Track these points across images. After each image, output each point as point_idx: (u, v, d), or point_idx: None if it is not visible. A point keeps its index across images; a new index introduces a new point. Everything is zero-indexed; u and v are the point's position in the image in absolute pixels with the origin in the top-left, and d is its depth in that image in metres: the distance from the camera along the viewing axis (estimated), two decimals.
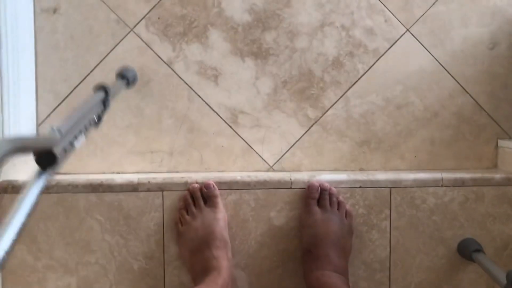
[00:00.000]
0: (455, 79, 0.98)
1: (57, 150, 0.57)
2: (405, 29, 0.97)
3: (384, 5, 0.96)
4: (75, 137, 0.66)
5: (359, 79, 0.97)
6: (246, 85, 0.96)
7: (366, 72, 0.97)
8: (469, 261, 0.84)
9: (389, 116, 0.98)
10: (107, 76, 0.94)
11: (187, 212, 0.80)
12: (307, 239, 0.79)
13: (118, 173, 0.95)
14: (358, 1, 0.96)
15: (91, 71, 0.94)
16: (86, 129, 0.71)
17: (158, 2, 0.94)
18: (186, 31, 0.95)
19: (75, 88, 0.94)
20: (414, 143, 0.98)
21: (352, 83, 0.97)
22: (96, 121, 0.75)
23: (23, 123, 0.90)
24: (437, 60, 0.97)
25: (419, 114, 0.98)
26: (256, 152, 0.97)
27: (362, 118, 0.98)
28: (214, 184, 0.80)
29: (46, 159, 0.53)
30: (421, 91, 0.97)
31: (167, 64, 0.95)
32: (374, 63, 0.97)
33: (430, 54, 0.97)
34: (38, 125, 0.94)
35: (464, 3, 0.97)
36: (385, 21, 0.97)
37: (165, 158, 0.96)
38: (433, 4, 0.97)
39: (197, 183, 0.81)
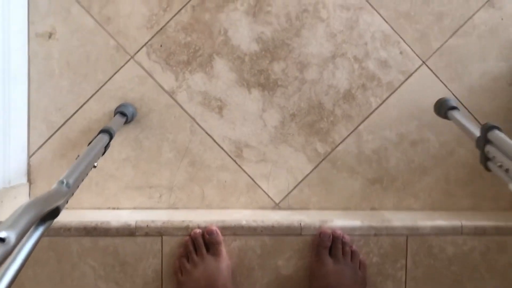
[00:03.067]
0: (472, 115, 0.92)
1: (63, 205, 0.52)
2: (421, 62, 0.92)
3: (400, 36, 0.91)
4: (78, 186, 0.61)
5: (371, 113, 0.92)
6: (252, 117, 0.91)
7: (380, 106, 0.92)
8: None
9: (403, 153, 0.92)
10: (105, 106, 0.88)
11: (188, 260, 0.74)
12: None
13: (114, 208, 0.89)
14: (372, 32, 0.91)
15: (88, 100, 0.88)
16: (86, 175, 0.66)
17: (161, 29, 0.88)
18: (190, 59, 0.89)
19: (70, 118, 0.88)
20: (429, 181, 0.93)
21: (365, 117, 0.92)
22: (95, 165, 0.70)
23: (13, 154, 0.84)
24: (454, 95, 0.92)
25: (435, 152, 0.92)
26: (262, 189, 0.91)
27: (374, 155, 0.92)
28: (217, 229, 0.75)
29: (49, 213, 0.49)
30: (437, 127, 0.92)
31: (169, 94, 0.89)
32: (388, 97, 0.92)
33: (447, 88, 0.92)
34: (30, 156, 0.88)
35: (483, 36, 0.92)
36: (400, 53, 0.91)
37: (165, 194, 0.90)
38: (451, 36, 0.92)
39: (199, 228, 0.75)
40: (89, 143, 0.72)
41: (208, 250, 0.75)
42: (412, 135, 0.92)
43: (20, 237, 0.38)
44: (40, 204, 0.45)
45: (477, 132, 0.68)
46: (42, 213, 0.45)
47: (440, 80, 0.92)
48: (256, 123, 0.91)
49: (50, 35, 0.88)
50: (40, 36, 0.87)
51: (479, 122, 0.92)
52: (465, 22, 0.92)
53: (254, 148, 0.91)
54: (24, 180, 0.87)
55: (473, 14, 0.92)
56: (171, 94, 0.89)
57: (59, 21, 0.87)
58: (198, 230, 0.75)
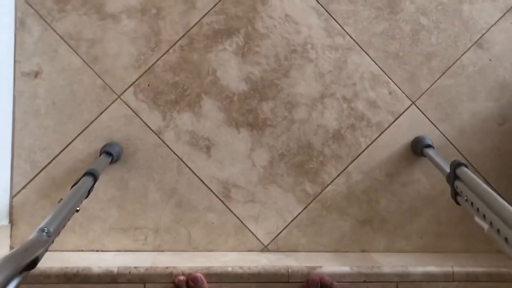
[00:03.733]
0: (463, 155, 0.92)
1: (42, 255, 0.50)
2: (411, 102, 0.91)
3: (388, 77, 0.91)
4: (58, 233, 0.59)
5: (361, 153, 0.91)
6: (241, 157, 0.89)
7: (369, 146, 0.91)
8: None
9: (393, 193, 0.91)
10: (90, 145, 0.87)
11: None
12: None
13: (98, 251, 0.87)
14: (361, 72, 0.91)
15: (73, 140, 0.87)
16: (68, 220, 0.64)
17: (149, 68, 0.88)
18: (178, 99, 0.88)
19: (54, 157, 0.87)
20: (420, 223, 0.91)
21: (354, 158, 0.91)
22: (78, 209, 0.68)
23: None
24: (444, 135, 0.92)
25: (425, 192, 0.91)
26: (250, 230, 0.89)
27: (364, 195, 0.91)
28: (202, 277, 0.72)
29: (28, 264, 0.47)
30: (427, 168, 0.91)
31: (156, 134, 0.88)
32: (378, 137, 0.91)
33: (436, 129, 0.92)
34: (12, 197, 0.86)
35: (471, 76, 0.92)
36: (390, 93, 0.91)
37: (150, 236, 0.88)
38: (440, 77, 0.92)
39: (183, 275, 0.73)
40: (73, 186, 0.70)
41: None
42: (402, 176, 0.91)
43: None
44: (19, 258, 0.43)
45: (447, 168, 0.74)
46: (20, 267, 0.43)
47: (430, 120, 0.92)
48: (245, 163, 0.89)
49: (36, 74, 0.87)
50: (26, 75, 0.87)
51: (469, 162, 0.92)
52: (454, 63, 0.92)
53: (243, 189, 0.89)
54: (5, 221, 0.85)
55: (462, 55, 0.92)
56: (158, 133, 0.88)
57: (46, 60, 0.87)
58: (182, 277, 0.72)
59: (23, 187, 0.86)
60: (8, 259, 0.41)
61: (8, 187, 0.86)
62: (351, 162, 0.91)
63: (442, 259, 0.85)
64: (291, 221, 0.90)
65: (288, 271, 0.75)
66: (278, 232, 0.90)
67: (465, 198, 0.67)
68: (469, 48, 0.92)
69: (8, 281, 0.39)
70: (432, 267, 0.77)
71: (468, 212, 0.67)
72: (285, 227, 0.90)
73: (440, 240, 0.91)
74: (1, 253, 0.83)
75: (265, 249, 0.89)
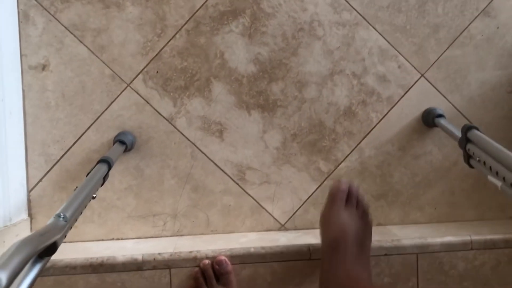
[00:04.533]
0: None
1: (60, 240, 0.51)
2: (420, 75, 0.91)
3: (397, 50, 0.91)
4: (76, 220, 0.60)
5: (373, 128, 0.91)
6: (253, 140, 0.90)
7: (380, 121, 0.91)
8: None
9: (406, 166, 0.92)
10: (103, 136, 0.87)
11: None
12: (333, 235, 0.72)
13: (118, 239, 0.88)
14: (369, 47, 0.90)
15: (85, 131, 0.87)
16: (85, 207, 0.65)
17: (156, 55, 0.87)
18: (188, 84, 0.88)
19: (68, 149, 0.87)
20: (434, 194, 0.92)
21: (366, 133, 0.91)
22: (94, 196, 0.69)
23: (12, 189, 0.82)
24: (454, 106, 0.92)
25: (438, 164, 0.92)
26: (266, 211, 0.90)
27: (378, 170, 0.91)
28: (226, 259, 0.73)
29: (47, 249, 0.48)
30: (438, 139, 0.92)
31: (167, 121, 0.88)
32: (389, 111, 0.91)
33: (446, 100, 0.92)
34: (29, 191, 0.86)
35: (479, 45, 0.92)
36: (399, 67, 0.91)
37: (169, 221, 0.89)
38: (448, 47, 0.91)
39: (207, 258, 0.74)
40: (88, 174, 0.70)
41: (218, 280, 0.73)
42: (414, 149, 0.92)
43: (13, 277, 0.36)
44: (35, 241, 0.43)
45: (459, 134, 0.76)
46: (37, 250, 0.43)
47: (440, 92, 0.92)
48: (258, 145, 0.90)
49: (43, 67, 0.86)
50: (33, 69, 0.86)
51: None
52: (461, 33, 0.92)
53: (257, 170, 0.90)
54: (24, 215, 0.86)
55: (469, 24, 0.92)
56: (170, 120, 0.88)
57: (52, 52, 0.86)
58: (207, 261, 0.74)
59: (39, 181, 0.86)
60: (25, 241, 0.41)
61: (24, 181, 0.86)
62: (363, 138, 0.91)
63: (457, 229, 0.87)
64: (307, 199, 0.91)
65: (309, 249, 0.76)
66: (295, 210, 0.91)
67: (478, 159, 0.69)
68: (476, 17, 0.92)
69: (25, 263, 0.39)
70: (450, 237, 0.78)
71: (481, 172, 0.68)
72: (301, 206, 0.91)
73: (454, 210, 0.92)
74: None
75: (282, 228, 0.90)
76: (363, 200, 0.76)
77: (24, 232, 0.84)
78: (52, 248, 0.49)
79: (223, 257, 0.74)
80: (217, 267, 0.73)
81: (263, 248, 0.76)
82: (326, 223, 0.75)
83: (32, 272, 0.46)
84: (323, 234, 0.74)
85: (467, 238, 0.77)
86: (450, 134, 0.82)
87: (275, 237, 0.85)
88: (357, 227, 0.73)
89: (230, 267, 0.73)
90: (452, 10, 0.91)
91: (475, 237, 0.78)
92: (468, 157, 0.74)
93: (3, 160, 0.79)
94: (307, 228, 0.91)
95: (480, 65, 0.92)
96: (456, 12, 0.91)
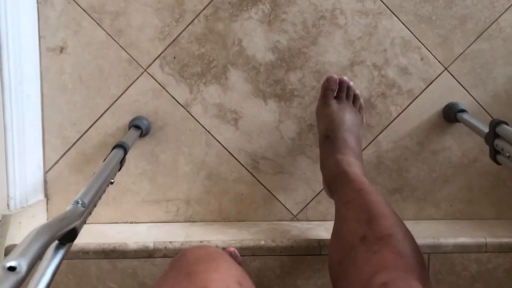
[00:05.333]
0: None
1: (80, 226, 0.52)
2: (443, 68, 0.88)
3: (420, 42, 0.88)
4: (95, 205, 0.61)
5: (391, 122, 0.89)
6: (269, 129, 0.89)
7: (400, 114, 0.89)
8: None
9: (424, 162, 0.90)
10: (119, 120, 0.87)
11: None
12: (325, 125, 0.81)
13: (131, 223, 0.89)
14: (392, 38, 0.87)
15: (102, 115, 0.87)
16: (103, 192, 0.65)
17: (174, 40, 0.86)
18: (204, 71, 0.87)
19: (84, 133, 0.87)
20: (451, 191, 0.90)
21: (384, 126, 0.89)
22: (112, 181, 0.69)
23: (29, 170, 0.83)
24: (477, 102, 0.89)
25: (457, 160, 0.90)
26: (279, 201, 0.90)
27: (394, 164, 0.90)
28: (236, 251, 0.74)
29: (67, 235, 0.48)
30: (459, 135, 0.89)
31: (183, 107, 0.88)
32: (409, 105, 0.89)
33: (470, 95, 0.89)
34: (46, 172, 0.88)
35: (509, 39, 0.88)
36: (421, 59, 0.88)
37: (182, 207, 0.89)
38: (475, 40, 0.88)
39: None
40: (104, 159, 0.71)
41: None
42: (433, 144, 0.90)
43: (32, 264, 0.37)
44: (54, 227, 0.44)
45: (486, 129, 0.73)
46: (56, 236, 0.44)
47: (463, 87, 0.89)
48: (273, 134, 0.89)
49: (61, 50, 0.86)
50: (51, 51, 0.86)
51: None
52: (490, 25, 0.88)
53: (271, 160, 0.89)
54: (41, 196, 0.87)
55: (499, 16, 0.88)
56: (185, 107, 0.88)
57: (70, 34, 0.85)
58: None
59: (56, 163, 0.88)
60: (43, 228, 0.41)
61: (41, 163, 0.87)
62: (382, 131, 0.89)
63: (472, 227, 0.85)
64: (320, 191, 0.90)
65: (320, 244, 0.75)
66: (308, 202, 0.90)
67: (507, 154, 0.66)
68: (507, 9, 0.88)
69: (44, 249, 0.40)
70: (464, 238, 0.77)
71: (510, 168, 0.66)
72: (314, 197, 0.90)
73: (470, 207, 0.91)
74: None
75: (294, 218, 0.90)
76: (354, 90, 0.83)
77: (40, 213, 0.86)
78: (72, 234, 0.49)
79: (233, 249, 0.74)
80: None
81: (273, 241, 0.76)
82: (318, 116, 0.84)
83: (56, 259, 0.47)
84: (317, 126, 0.84)
85: (481, 240, 0.76)
86: (474, 129, 0.80)
87: (286, 228, 0.85)
88: (349, 117, 0.80)
89: (239, 258, 0.74)
90: (482, 1, 0.87)
91: (490, 240, 0.76)
92: (495, 153, 0.71)
93: (20, 143, 0.80)
94: (320, 220, 0.90)
95: (508, 60, 0.88)
96: (486, 3, 0.87)
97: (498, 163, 0.72)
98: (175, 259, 0.51)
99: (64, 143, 0.87)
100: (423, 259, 0.56)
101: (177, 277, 0.46)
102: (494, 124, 0.71)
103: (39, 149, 0.87)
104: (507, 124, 0.70)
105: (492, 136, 0.71)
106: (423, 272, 0.53)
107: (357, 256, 0.55)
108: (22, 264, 0.35)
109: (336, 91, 0.82)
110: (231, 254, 0.72)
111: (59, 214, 0.48)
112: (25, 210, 0.80)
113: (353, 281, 0.53)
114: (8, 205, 0.77)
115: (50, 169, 0.88)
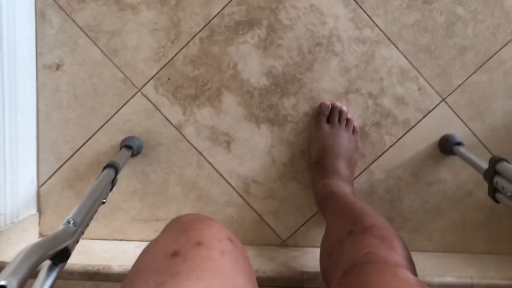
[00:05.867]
0: (493, 155, 0.87)
1: (72, 246, 0.52)
2: (441, 99, 0.87)
3: (418, 72, 0.86)
4: (87, 225, 0.61)
5: (385, 151, 0.88)
6: (261, 153, 0.88)
7: (394, 144, 0.88)
8: None
9: (417, 193, 0.88)
10: (112, 138, 0.88)
11: None
12: (316, 151, 0.84)
13: (121, 240, 0.90)
14: (389, 67, 0.86)
15: (95, 133, 0.88)
16: (95, 212, 0.66)
17: (169, 61, 0.86)
18: (198, 93, 0.87)
19: (78, 150, 0.88)
20: (444, 223, 0.89)
21: (378, 156, 0.88)
22: (104, 201, 0.69)
23: (21, 185, 0.84)
24: (474, 135, 0.87)
25: (451, 193, 0.88)
26: (268, 225, 0.90)
27: (387, 194, 0.89)
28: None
29: (59, 255, 0.49)
30: (454, 168, 0.88)
31: (176, 128, 0.88)
32: (404, 135, 0.88)
33: (467, 128, 0.87)
34: (39, 187, 0.89)
35: (509, 72, 0.86)
36: (419, 89, 0.87)
37: None
38: (474, 72, 0.86)
39: None
40: (96, 178, 0.71)
41: None
42: (427, 175, 0.88)
43: (23, 283, 0.37)
44: (45, 246, 0.44)
45: (485, 165, 0.72)
46: (47, 255, 0.44)
47: (460, 119, 0.87)
48: (265, 159, 0.88)
49: (58, 67, 0.87)
50: (47, 68, 0.87)
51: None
52: (491, 57, 0.86)
53: (262, 184, 0.89)
54: (33, 210, 0.88)
55: (500, 49, 0.86)
56: (178, 128, 0.88)
57: (67, 52, 0.86)
58: None
59: (49, 178, 0.89)
60: (34, 247, 0.41)
61: (34, 178, 0.89)
62: (374, 161, 0.88)
63: (462, 263, 0.84)
64: (311, 217, 0.89)
65: (303, 276, 0.75)
66: (297, 227, 0.90)
67: (509, 194, 0.64)
68: (509, 41, 0.85)
69: (34, 268, 0.40)
70: (450, 278, 0.75)
71: (509, 207, 0.64)
72: (304, 223, 0.90)
73: (463, 241, 0.89)
74: (31, 239, 0.87)
75: (283, 243, 0.90)
76: (346, 115, 0.85)
77: (32, 228, 0.87)
78: (65, 253, 0.50)
79: None
80: None
81: (257, 270, 0.75)
82: (311, 141, 0.86)
83: (49, 279, 0.47)
84: (310, 150, 0.86)
85: (467, 281, 0.75)
86: (472, 164, 0.78)
87: (273, 255, 0.85)
88: (341, 141, 0.83)
89: None
90: (483, 33, 0.85)
91: (477, 280, 0.75)
92: (493, 191, 0.69)
93: (13, 159, 0.81)
94: (309, 246, 0.90)
95: (508, 93, 0.86)
96: (487, 34, 0.85)
97: (496, 201, 0.69)
98: (170, 223, 0.55)
99: (58, 159, 0.88)
100: (405, 245, 0.59)
101: (174, 234, 0.49)
102: (495, 161, 0.69)
103: (33, 164, 0.88)
104: (507, 161, 0.68)
105: (492, 173, 0.69)
106: (406, 254, 0.56)
107: (344, 247, 0.59)
108: (12, 283, 0.35)
109: (328, 116, 0.85)
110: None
111: (50, 234, 0.48)
112: (16, 225, 0.81)
113: (341, 264, 0.56)
114: None
115: (43, 184, 0.89)
